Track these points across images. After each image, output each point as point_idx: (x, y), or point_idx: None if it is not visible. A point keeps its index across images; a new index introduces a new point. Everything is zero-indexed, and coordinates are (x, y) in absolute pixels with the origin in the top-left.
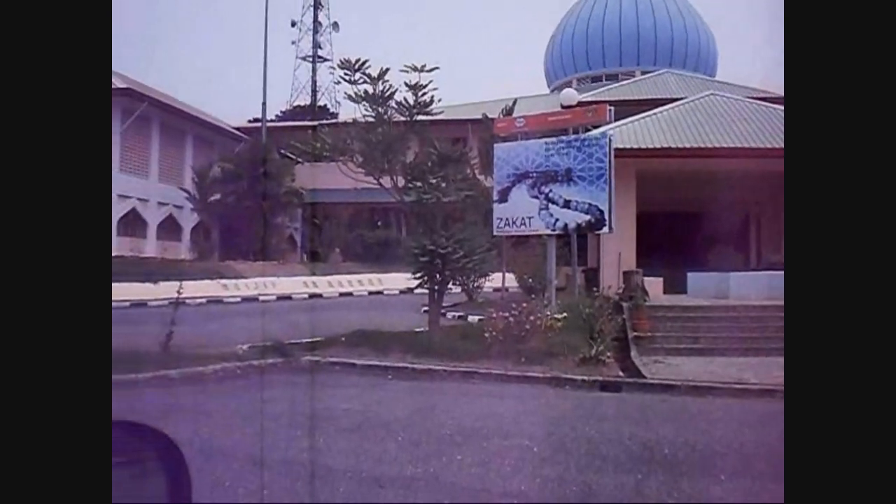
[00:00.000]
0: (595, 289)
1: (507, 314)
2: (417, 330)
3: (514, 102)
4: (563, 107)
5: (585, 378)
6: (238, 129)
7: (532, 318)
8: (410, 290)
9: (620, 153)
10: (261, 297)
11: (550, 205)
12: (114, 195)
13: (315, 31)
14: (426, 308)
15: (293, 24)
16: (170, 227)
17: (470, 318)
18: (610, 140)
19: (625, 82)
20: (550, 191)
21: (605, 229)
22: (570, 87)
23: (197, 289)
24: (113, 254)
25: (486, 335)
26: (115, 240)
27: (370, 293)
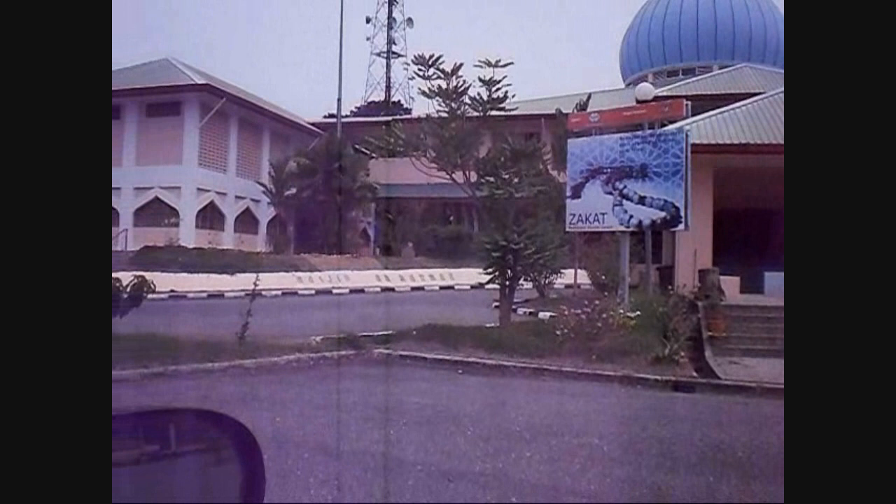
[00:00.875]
0: (669, 287)
1: (579, 311)
2: (488, 325)
3: (589, 97)
4: (638, 101)
5: (658, 378)
6: (314, 124)
7: (604, 315)
8: (481, 285)
9: (697, 149)
10: (334, 290)
11: (625, 201)
12: (193, 189)
13: (389, 28)
14: (497, 304)
15: (368, 21)
16: (247, 221)
17: (541, 314)
18: (686, 135)
19: (702, 77)
20: (625, 187)
21: (681, 226)
22: (646, 81)
23: (272, 281)
24: (191, 245)
25: (558, 332)
26: (194, 232)
27: (441, 288)
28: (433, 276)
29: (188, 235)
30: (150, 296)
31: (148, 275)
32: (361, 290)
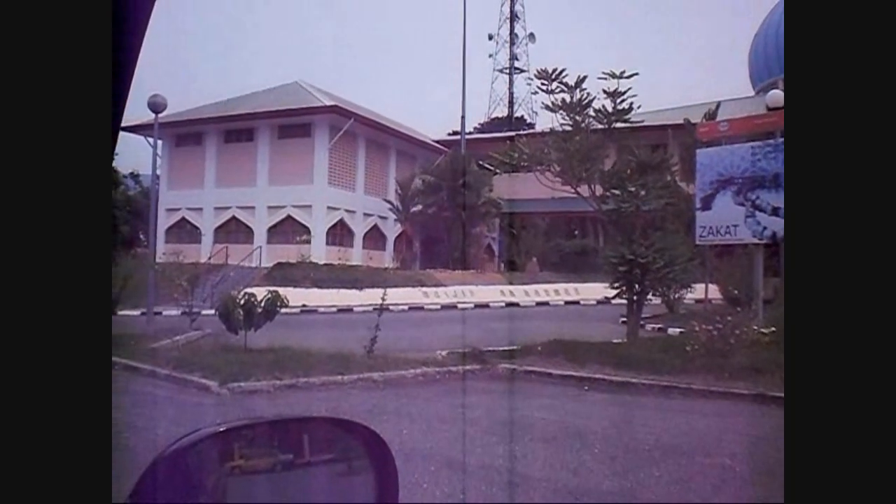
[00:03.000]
0: None
1: (710, 327)
2: (615, 341)
3: (718, 106)
4: (769, 109)
5: None
6: (438, 142)
7: (737, 331)
8: (608, 300)
9: None
10: (459, 305)
11: (757, 212)
12: (323, 207)
13: (512, 44)
14: (624, 319)
15: (490, 38)
16: (374, 237)
17: (670, 330)
18: None
19: None
20: (757, 197)
21: None
22: (777, 87)
23: (399, 296)
24: (322, 262)
25: (688, 348)
26: (324, 248)
27: (566, 303)
28: (558, 291)
29: (319, 252)
30: (282, 310)
31: (281, 290)
32: (486, 305)
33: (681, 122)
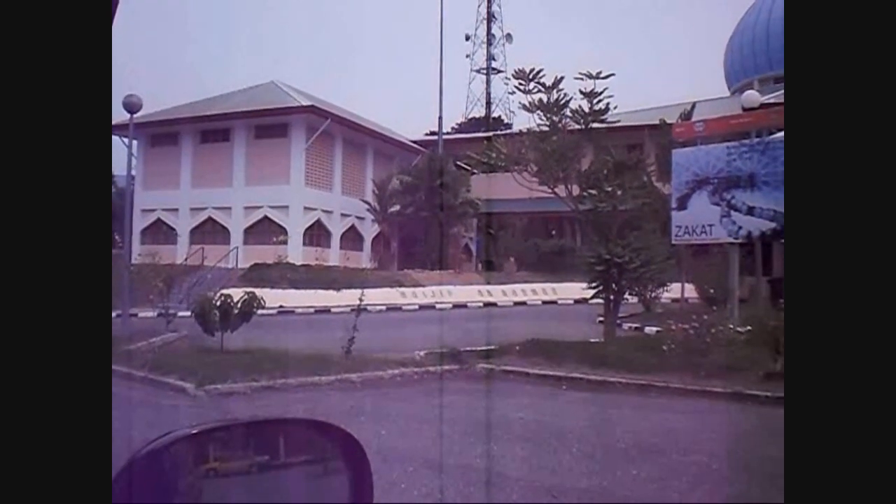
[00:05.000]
0: (781, 300)
1: (686, 326)
2: (592, 340)
3: (693, 106)
4: (744, 109)
5: (769, 394)
6: (416, 142)
7: (713, 330)
8: (585, 300)
9: None
10: (437, 305)
11: (733, 212)
12: (300, 207)
13: (489, 44)
14: (601, 318)
15: (467, 38)
16: (352, 238)
17: (647, 329)
18: None
19: None
20: (733, 197)
21: None
22: (752, 88)
23: (377, 296)
24: (299, 262)
25: (664, 347)
26: (301, 249)
27: (544, 303)
28: (535, 291)
29: (296, 253)
30: (259, 311)
31: (257, 291)
32: (464, 306)
33: (657, 122)
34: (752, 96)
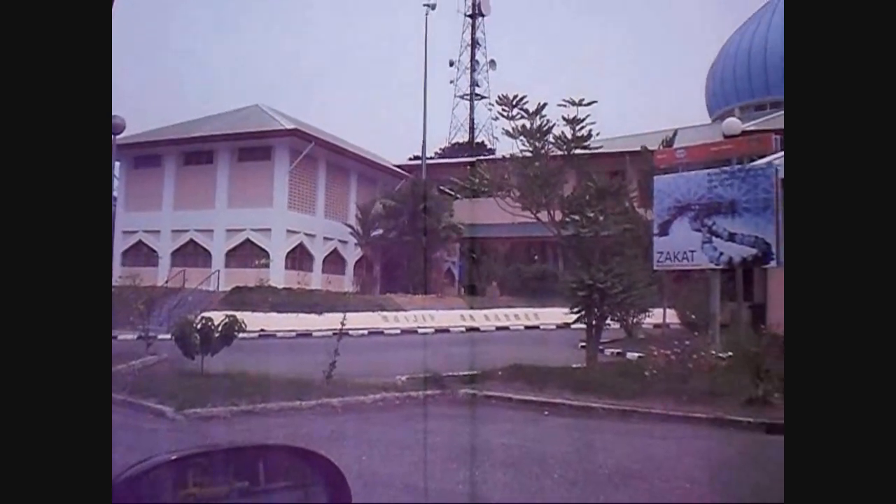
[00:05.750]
0: (762, 326)
1: (668, 351)
2: (574, 366)
3: (675, 133)
4: (725, 136)
5: (751, 420)
6: (399, 166)
7: (695, 355)
8: (567, 325)
9: None
10: (419, 330)
11: (714, 238)
12: (283, 230)
13: (472, 70)
14: (583, 344)
15: (451, 64)
16: (334, 261)
17: (629, 354)
18: (776, 170)
19: None
20: (714, 223)
21: (773, 263)
22: (733, 115)
23: (359, 320)
24: (281, 286)
25: (646, 373)
26: (283, 272)
27: (526, 328)
28: (518, 316)
29: (278, 276)
30: (240, 335)
31: (238, 314)
32: (446, 330)
33: (639, 149)
34: (733, 124)
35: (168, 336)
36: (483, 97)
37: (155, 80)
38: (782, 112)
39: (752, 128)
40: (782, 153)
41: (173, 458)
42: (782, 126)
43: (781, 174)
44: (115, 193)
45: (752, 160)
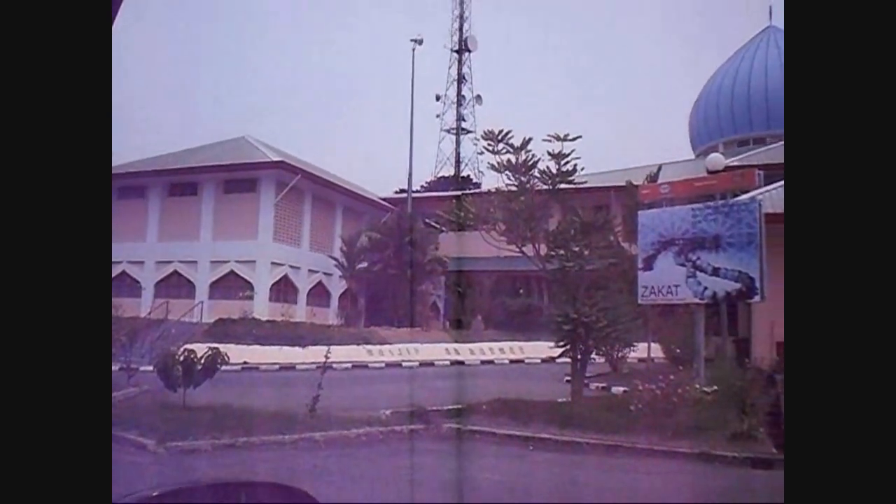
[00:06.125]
0: (746, 360)
1: (653, 386)
2: (559, 400)
3: (659, 168)
4: (709, 172)
5: (736, 455)
6: (385, 199)
7: (680, 390)
8: (552, 359)
9: (771, 219)
10: (404, 363)
11: (698, 272)
12: (267, 263)
13: (459, 105)
14: (569, 378)
15: (438, 99)
16: (319, 294)
17: (614, 389)
18: (760, 205)
19: (773, 146)
20: (698, 258)
21: (757, 298)
22: (717, 151)
23: (343, 354)
24: (265, 318)
25: (632, 407)
26: (268, 305)
27: (511, 361)
28: (503, 350)
29: (262, 308)
30: (223, 367)
31: (222, 347)
32: (431, 364)
33: (623, 183)
34: (717, 159)
35: (150, 368)
36: (469, 131)
37: (141, 110)
38: (765, 148)
39: (735, 163)
40: (766, 188)
41: (155, 493)
42: (765, 161)
43: (765, 209)
44: None
45: (736, 195)
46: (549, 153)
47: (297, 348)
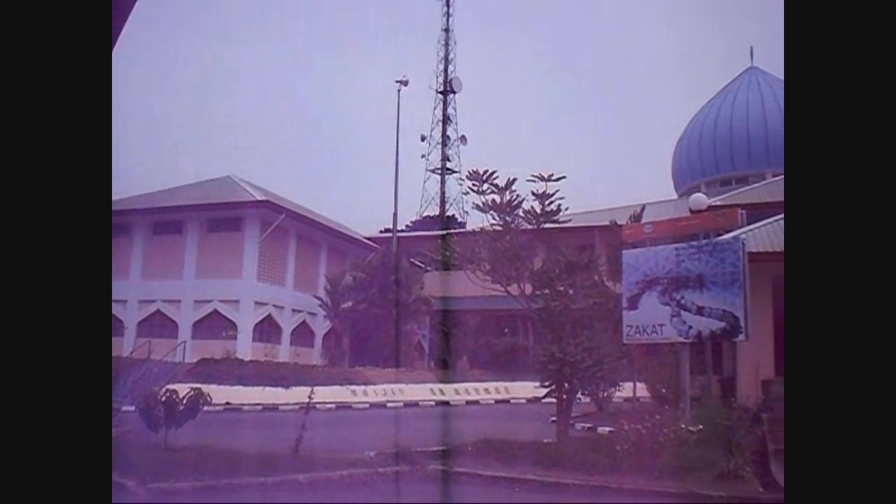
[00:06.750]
0: (732, 399)
1: (639, 426)
2: (545, 440)
3: (643, 208)
4: (692, 211)
5: (723, 495)
6: (370, 238)
7: (665, 430)
8: (538, 399)
9: (755, 257)
10: (388, 404)
11: (682, 311)
12: (251, 302)
13: (444, 145)
14: (554, 418)
15: (423, 139)
16: (303, 333)
17: (600, 429)
18: (743, 244)
19: (755, 185)
20: (682, 297)
21: (741, 336)
22: (699, 191)
23: (327, 394)
24: (248, 358)
25: (618, 447)
26: (251, 345)
27: (497, 401)
28: (488, 390)
29: (245, 348)
30: (205, 408)
31: (204, 387)
32: (416, 404)
33: (607, 223)
34: (700, 199)
35: (132, 408)
36: (454, 171)
37: (125, 148)
38: (748, 187)
39: (718, 202)
40: (748, 227)
41: None
42: (747, 201)
43: (748, 248)
44: None
45: (719, 234)
46: (534, 193)
47: (280, 389)
